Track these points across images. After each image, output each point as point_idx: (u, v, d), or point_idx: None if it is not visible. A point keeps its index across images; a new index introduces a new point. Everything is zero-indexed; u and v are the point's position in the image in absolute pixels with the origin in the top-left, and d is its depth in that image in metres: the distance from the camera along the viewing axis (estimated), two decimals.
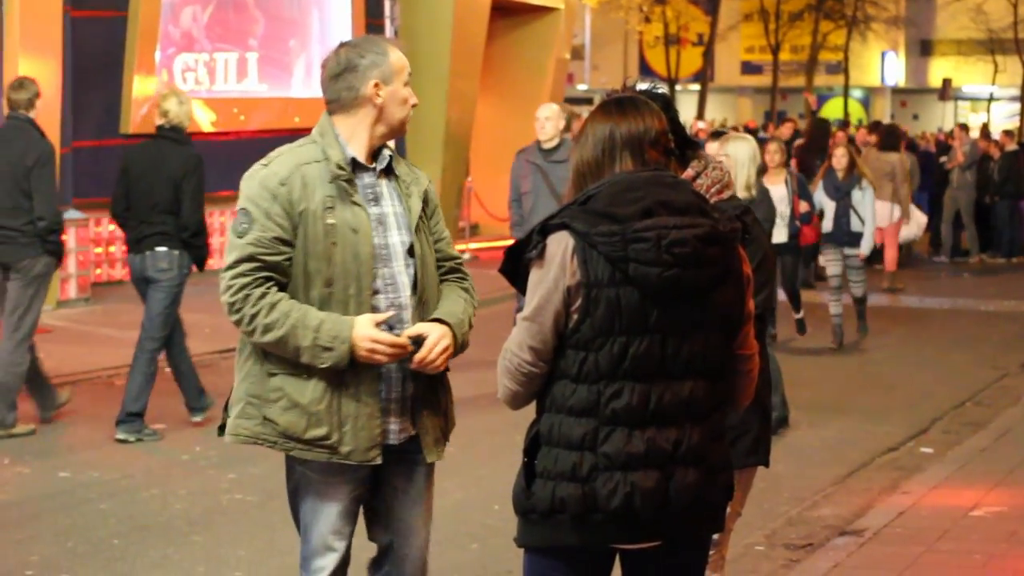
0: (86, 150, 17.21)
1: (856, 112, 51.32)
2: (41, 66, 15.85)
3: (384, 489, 5.18)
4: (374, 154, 5.06)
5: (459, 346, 5.03)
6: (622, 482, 4.01)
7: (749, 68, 53.18)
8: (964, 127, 27.30)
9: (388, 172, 5.08)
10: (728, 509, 4.43)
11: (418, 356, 4.89)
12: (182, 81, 19.04)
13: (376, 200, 5.02)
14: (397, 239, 5.02)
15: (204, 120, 19.20)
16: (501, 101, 25.43)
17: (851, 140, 28.38)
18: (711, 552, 4.82)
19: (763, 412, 5.83)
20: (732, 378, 4.23)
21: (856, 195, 15.04)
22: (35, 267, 10.59)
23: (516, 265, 4.18)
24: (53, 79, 15.97)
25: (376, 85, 4.98)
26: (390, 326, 4.90)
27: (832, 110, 51.23)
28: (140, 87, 17.99)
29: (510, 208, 12.77)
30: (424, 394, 5.07)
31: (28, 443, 10.45)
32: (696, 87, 45.41)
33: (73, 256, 16.46)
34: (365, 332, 4.84)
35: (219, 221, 19.00)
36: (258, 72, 20.47)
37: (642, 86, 4.68)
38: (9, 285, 10.60)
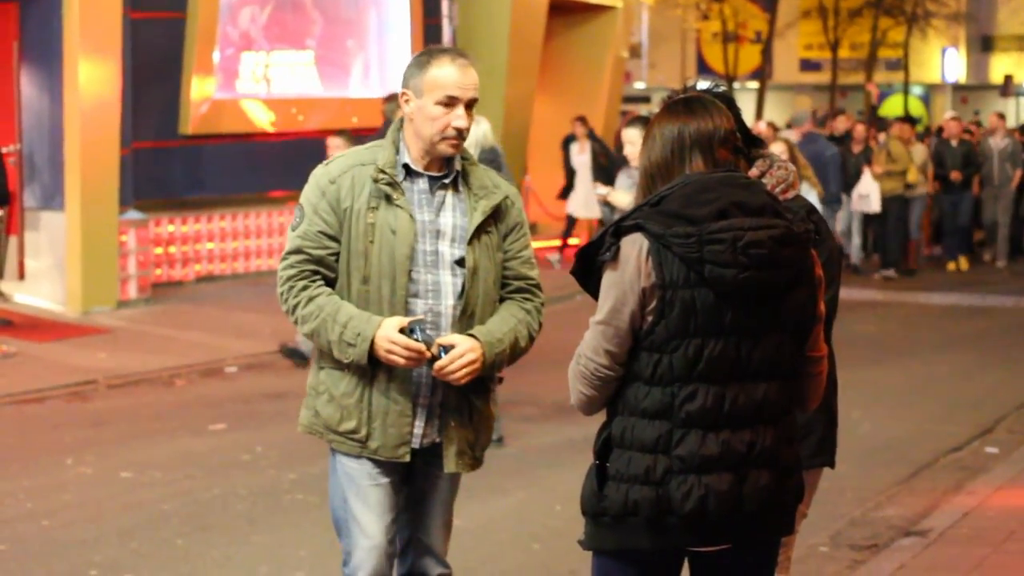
0: (145, 151, 17.29)
1: (916, 109, 51.02)
2: (100, 68, 15.93)
3: (413, 488, 5.24)
4: (445, 163, 5.08)
5: (489, 364, 5.00)
6: (696, 485, 3.99)
7: (808, 65, 52.89)
8: None
9: (459, 183, 5.09)
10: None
11: (437, 364, 4.91)
12: (240, 82, 19.09)
13: (434, 208, 5.06)
14: (448, 248, 5.04)
15: (263, 120, 19.25)
16: (559, 100, 25.39)
17: None
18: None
19: (829, 413, 5.77)
20: (802, 380, 4.19)
21: None
22: None
23: (587, 267, 4.15)
24: (112, 80, 16.05)
25: (404, 95, 5.10)
26: (419, 331, 4.88)
27: (892, 107, 50.94)
28: (198, 88, 18.06)
29: None
30: (455, 404, 5.08)
31: (89, 445, 10.49)
32: (754, 85, 45.23)
33: (133, 257, 16.53)
34: (385, 333, 4.89)
35: (277, 221, 19.05)
36: (316, 72, 20.51)
37: (703, 85, 4.63)
38: None
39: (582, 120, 21.34)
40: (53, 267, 16.19)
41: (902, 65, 47.14)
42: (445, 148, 5.00)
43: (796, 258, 4.06)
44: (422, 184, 5.06)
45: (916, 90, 52.23)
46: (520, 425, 10.87)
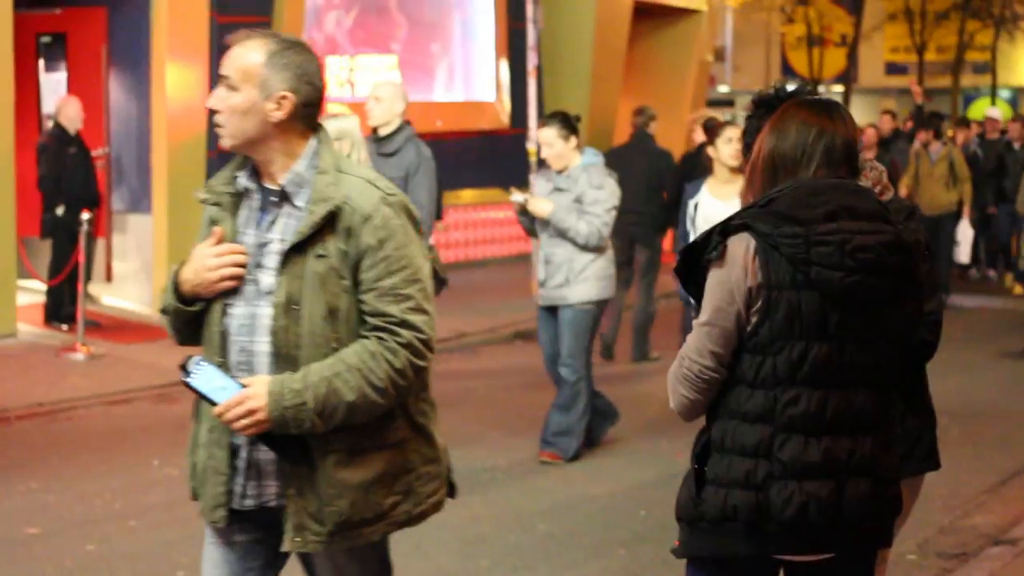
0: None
1: (1004, 112, 50.51)
2: (188, 72, 16.04)
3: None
4: (274, 174, 4.32)
5: (276, 419, 4.11)
6: (797, 491, 3.93)
7: (893, 69, 52.45)
8: None
9: (301, 197, 4.28)
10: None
11: (215, 410, 4.17)
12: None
13: (263, 228, 4.29)
14: (266, 277, 4.24)
15: None
16: (643, 103, 25.32)
17: None
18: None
19: (932, 417, 5.78)
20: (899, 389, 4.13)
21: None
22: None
23: (690, 267, 4.09)
24: (199, 84, 16.15)
25: None
26: (195, 365, 4.16)
27: (979, 111, 50.49)
28: None
29: None
30: (292, 467, 4.24)
31: (176, 446, 10.53)
32: (839, 88, 44.95)
33: None
34: (194, 262, 4.28)
35: None
36: (400, 76, 20.54)
37: (790, 88, 4.59)
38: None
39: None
40: (140, 269, 16.31)
41: (989, 68, 46.71)
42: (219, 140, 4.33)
43: (903, 266, 4.01)
44: (255, 200, 4.32)
45: (1004, 93, 51.70)
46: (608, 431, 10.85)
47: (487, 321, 15.76)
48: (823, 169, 4.04)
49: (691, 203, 9.51)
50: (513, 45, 21.87)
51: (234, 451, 4.30)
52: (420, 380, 4.29)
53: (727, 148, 9.47)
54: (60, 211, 14.71)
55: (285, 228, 4.23)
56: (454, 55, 21.64)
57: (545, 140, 9.85)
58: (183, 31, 16.01)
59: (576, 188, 9.79)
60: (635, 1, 23.86)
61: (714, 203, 9.38)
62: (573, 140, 9.86)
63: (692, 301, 9.04)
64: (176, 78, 15.92)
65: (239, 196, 4.34)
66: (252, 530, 4.39)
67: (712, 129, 9.50)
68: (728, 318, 3.97)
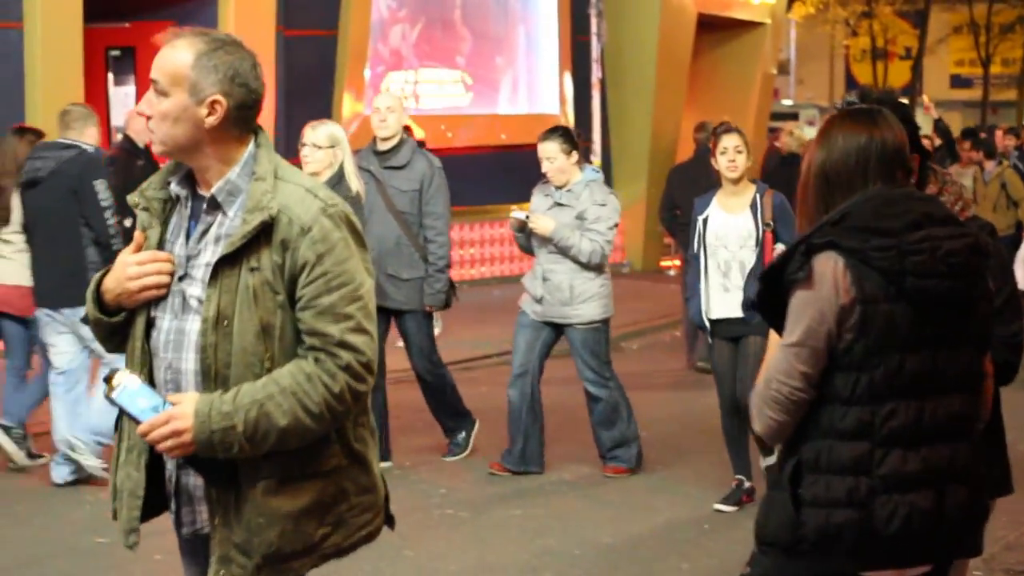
0: (297, 167, 17.48)
1: None
2: None
3: None
4: (208, 180, 4.04)
5: (203, 442, 3.83)
6: (901, 503, 3.88)
7: (958, 82, 52.21)
8: None
9: (234, 206, 3.99)
10: None
11: (139, 429, 3.88)
12: None
13: (195, 238, 4.02)
14: (194, 290, 3.96)
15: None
16: (707, 116, 25.24)
17: None
18: None
19: (1004, 441, 5.76)
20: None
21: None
22: None
23: (771, 289, 4.02)
24: (266, 97, 16.25)
25: None
26: (123, 381, 3.87)
27: None
28: (349, 105, 18.25)
29: None
30: (216, 490, 3.99)
31: None
32: (904, 101, 44.81)
33: None
34: (116, 271, 4.02)
35: None
36: (465, 89, 20.64)
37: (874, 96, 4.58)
38: None
39: None
40: None
41: None
42: (152, 144, 4.05)
43: (984, 268, 4.01)
44: (186, 208, 4.07)
45: None
46: (667, 440, 10.85)
47: None
48: (879, 178, 4.00)
49: (699, 220, 8.99)
50: (577, 58, 21.94)
51: (156, 474, 4.08)
52: (359, 404, 4.01)
53: (722, 160, 8.97)
54: (128, 223, 14.82)
55: (216, 239, 3.96)
56: (518, 68, 21.71)
57: (547, 154, 9.66)
58: (250, 44, 15.89)
59: (578, 204, 9.65)
60: (699, 14, 23.87)
61: (723, 217, 8.99)
62: (574, 155, 9.69)
63: (709, 327, 8.92)
64: None
65: (170, 202, 4.08)
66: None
67: (715, 138, 9.09)
68: (819, 338, 3.91)
